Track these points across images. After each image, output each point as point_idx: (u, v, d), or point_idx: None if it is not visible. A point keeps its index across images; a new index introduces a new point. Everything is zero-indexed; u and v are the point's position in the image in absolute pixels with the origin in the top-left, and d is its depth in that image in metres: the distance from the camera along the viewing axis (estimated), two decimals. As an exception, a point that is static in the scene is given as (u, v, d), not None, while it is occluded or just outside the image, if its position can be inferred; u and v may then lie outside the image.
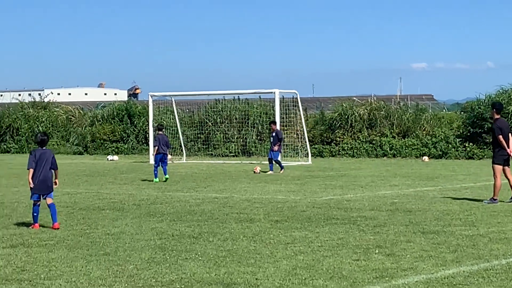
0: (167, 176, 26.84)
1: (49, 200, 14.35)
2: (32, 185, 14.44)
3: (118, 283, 9.71)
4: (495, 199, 17.68)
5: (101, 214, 16.39)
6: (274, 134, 30.20)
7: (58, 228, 13.97)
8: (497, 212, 16.21)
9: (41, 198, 14.35)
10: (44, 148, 14.61)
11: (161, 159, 27.02)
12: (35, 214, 14.35)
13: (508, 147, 17.75)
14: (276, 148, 29.65)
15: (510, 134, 17.97)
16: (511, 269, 10.27)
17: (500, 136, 17.74)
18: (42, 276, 10.16)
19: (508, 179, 18.01)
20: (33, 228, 14.23)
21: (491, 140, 19.56)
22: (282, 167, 29.69)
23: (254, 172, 28.36)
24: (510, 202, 17.70)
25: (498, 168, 17.82)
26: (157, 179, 26.70)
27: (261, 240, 12.78)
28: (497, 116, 18.15)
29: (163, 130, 29.40)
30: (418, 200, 18.70)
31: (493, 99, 38.09)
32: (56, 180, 14.71)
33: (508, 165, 17.94)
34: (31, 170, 14.27)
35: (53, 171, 14.51)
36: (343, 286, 9.36)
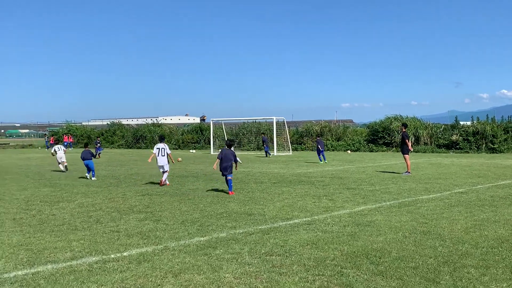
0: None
1: (229, 177, 12.43)
2: (215, 168, 12.80)
3: (196, 212, 9.78)
4: (408, 172, 17.45)
5: (187, 179, 16.44)
6: (265, 138, 31.44)
7: (232, 194, 12.08)
8: (387, 178, 16.13)
9: (226, 176, 12.43)
10: (229, 148, 12.63)
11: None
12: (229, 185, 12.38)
13: (409, 146, 17.80)
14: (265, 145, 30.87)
15: (409, 139, 18.23)
16: (391, 207, 10.23)
17: (407, 140, 17.79)
18: (157, 210, 10.25)
19: (406, 161, 17.76)
20: (230, 194, 12.13)
21: (400, 140, 19.27)
22: (267, 155, 30.11)
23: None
24: (404, 174, 17.37)
25: (407, 156, 17.73)
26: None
27: (266, 192, 12.78)
28: (404, 129, 18.25)
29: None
30: (345, 172, 18.65)
31: (383, 122, 37.85)
32: (237, 168, 13.13)
33: (408, 153, 17.81)
34: (218, 160, 12.50)
35: (234, 162, 12.48)
36: (307, 215, 9.38)
